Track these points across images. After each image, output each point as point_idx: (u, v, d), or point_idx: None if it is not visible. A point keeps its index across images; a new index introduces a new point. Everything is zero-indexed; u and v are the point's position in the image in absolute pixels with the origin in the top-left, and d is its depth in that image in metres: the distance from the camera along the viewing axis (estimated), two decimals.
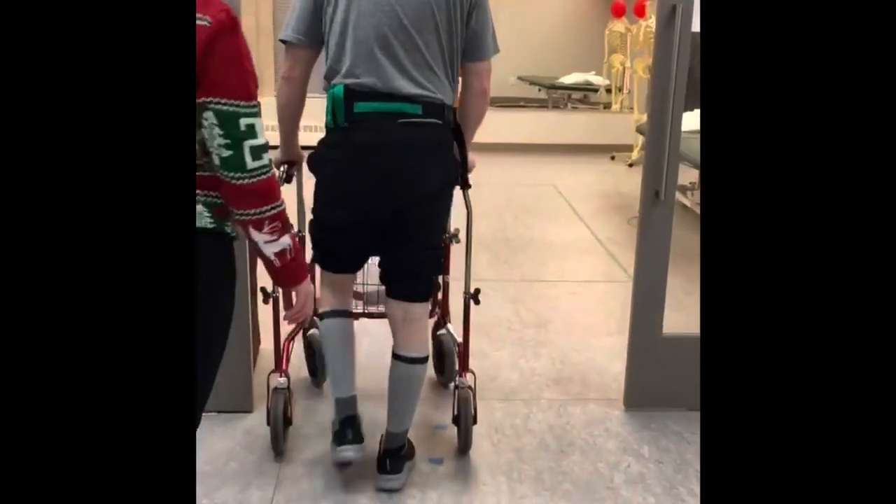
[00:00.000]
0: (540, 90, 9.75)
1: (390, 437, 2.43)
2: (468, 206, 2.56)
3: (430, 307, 2.51)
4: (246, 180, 1.50)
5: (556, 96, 9.56)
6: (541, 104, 9.74)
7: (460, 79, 2.37)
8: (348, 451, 2.41)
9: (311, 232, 2.42)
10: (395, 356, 2.39)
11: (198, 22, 1.42)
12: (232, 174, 1.49)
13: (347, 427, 2.42)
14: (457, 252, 2.81)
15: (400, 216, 2.25)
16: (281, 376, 2.55)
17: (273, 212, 1.55)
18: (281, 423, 2.53)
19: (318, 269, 2.47)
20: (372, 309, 2.82)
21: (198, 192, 1.52)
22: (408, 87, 2.17)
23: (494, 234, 5.28)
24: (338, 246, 2.39)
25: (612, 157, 7.85)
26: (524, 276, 4.48)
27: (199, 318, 1.34)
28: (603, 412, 2.97)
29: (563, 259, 4.84)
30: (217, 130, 1.47)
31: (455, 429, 2.61)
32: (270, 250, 1.58)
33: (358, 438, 2.43)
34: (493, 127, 8.26)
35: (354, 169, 2.22)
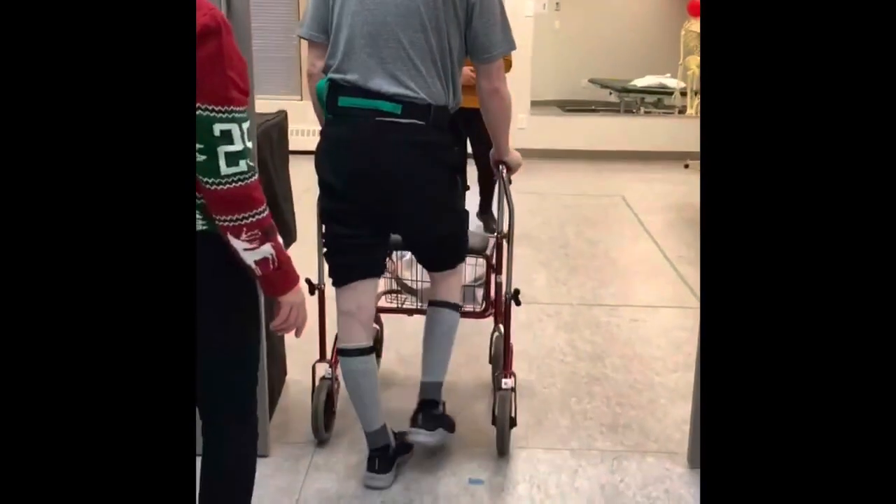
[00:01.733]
0: (611, 93, 9.34)
1: (423, 387, 2.52)
2: (510, 206, 2.59)
3: (462, 266, 2.55)
4: (220, 186, 1.48)
5: (629, 100, 9.14)
6: (612, 108, 9.33)
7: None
8: (374, 481, 2.45)
9: (323, 236, 2.44)
10: (430, 302, 2.52)
11: None
12: (206, 179, 1.48)
13: (376, 457, 2.46)
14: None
15: (385, 209, 2.29)
16: (329, 366, 2.66)
17: (251, 220, 1.51)
18: (322, 412, 2.61)
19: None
20: (425, 305, 2.69)
21: None
22: (387, 86, 2.18)
23: (554, 249, 4.92)
24: (337, 235, 2.35)
25: (686, 166, 7.38)
26: (582, 298, 4.11)
27: (222, 315, 1.58)
28: (663, 469, 2.59)
29: (626, 280, 4.45)
30: None
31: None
32: (250, 258, 1.55)
33: (385, 468, 2.46)
34: (559, 132, 8.02)
35: (335, 161, 2.26)
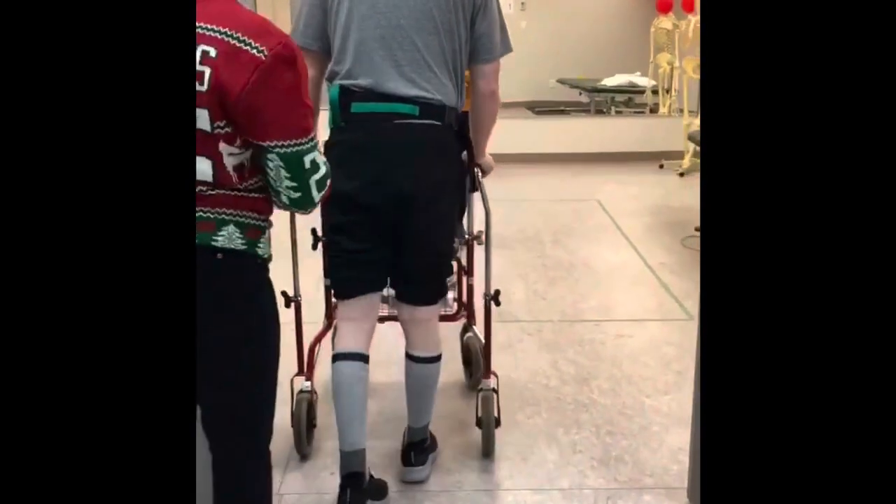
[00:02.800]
0: (581, 94, 9.19)
1: (412, 431, 2.48)
2: (486, 207, 2.50)
3: (439, 309, 2.46)
4: (311, 208, 1.59)
5: (599, 100, 8.99)
6: (582, 108, 9.17)
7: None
8: None
9: (324, 246, 2.40)
10: (408, 356, 2.40)
11: (253, 52, 1.40)
12: (300, 210, 1.57)
13: (348, 486, 2.26)
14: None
15: (398, 219, 2.21)
16: (306, 379, 2.59)
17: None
18: (304, 427, 2.56)
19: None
20: (395, 311, 2.62)
21: (231, 211, 1.48)
22: (404, 88, 2.15)
23: (531, 260, 4.71)
24: (345, 249, 2.28)
25: (661, 166, 7.22)
26: (564, 313, 3.90)
27: (242, 344, 1.53)
28: None
29: (608, 291, 4.24)
30: (283, 173, 1.48)
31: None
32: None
33: (355, 500, 2.25)
34: (529, 136, 7.81)
35: (350, 168, 2.17)
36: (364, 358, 2.33)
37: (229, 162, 1.46)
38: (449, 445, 2.70)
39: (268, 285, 1.59)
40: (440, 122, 2.20)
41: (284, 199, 1.52)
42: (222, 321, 1.48)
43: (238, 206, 1.50)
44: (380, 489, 2.38)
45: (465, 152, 2.44)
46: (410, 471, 2.47)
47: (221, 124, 1.43)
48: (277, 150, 1.46)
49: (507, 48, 2.31)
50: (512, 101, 8.77)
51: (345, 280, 2.32)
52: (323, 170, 1.52)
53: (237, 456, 1.62)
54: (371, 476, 2.36)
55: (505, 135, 7.36)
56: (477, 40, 2.25)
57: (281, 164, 1.46)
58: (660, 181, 6.73)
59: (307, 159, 1.47)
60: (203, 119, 1.41)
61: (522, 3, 10.19)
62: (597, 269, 4.58)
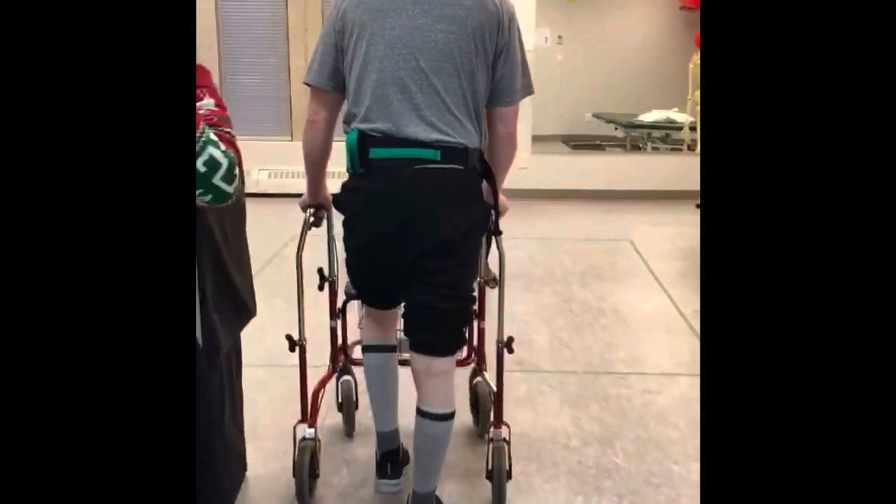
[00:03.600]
0: (617, 129, 9.00)
1: (417, 498, 2.31)
2: (500, 252, 2.43)
3: (454, 361, 2.34)
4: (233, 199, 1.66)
5: (635, 135, 8.79)
6: (618, 143, 8.99)
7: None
8: (385, 486, 2.48)
9: (347, 267, 2.37)
10: (419, 412, 2.27)
11: None
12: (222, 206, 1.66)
13: (387, 461, 2.48)
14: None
15: (420, 264, 2.14)
16: (309, 427, 2.51)
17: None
18: (307, 476, 2.45)
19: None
20: (406, 356, 2.51)
21: None
22: (424, 133, 2.08)
23: (557, 304, 4.50)
24: (368, 286, 2.38)
25: (698, 206, 6.96)
26: (589, 364, 3.68)
27: None
28: None
29: (637, 341, 4.02)
30: None
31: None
32: None
33: (396, 474, 2.48)
34: (564, 172, 7.62)
35: (372, 216, 2.15)
36: (391, 348, 2.46)
37: None
38: (457, 497, 2.58)
39: None
40: (462, 167, 2.13)
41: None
42: None
43: None
44: (406, 453, 2.55)
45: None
46: None
47: None
48: None
49: (528, 90, 2.23)
50: (546, 135, 8.65)
51: (371, 298, 2.44)
52: (223, 162, 1.49)
53: None
54: (405, 448, 2.54)
55: (535, 170, 7.27)
56: (497, 83, 2.16)
57: None
58: (695, 222, 6.44)
59: (199, 161, 1.45)
60: None
61: (559, 37, 10.08)
62: (626, 316, 4.36)
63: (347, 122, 2.18)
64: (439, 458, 2.31)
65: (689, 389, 3.41)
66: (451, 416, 2.26)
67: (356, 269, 2.32)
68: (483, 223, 2.28)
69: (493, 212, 2.36)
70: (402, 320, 2.33)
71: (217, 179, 1.50)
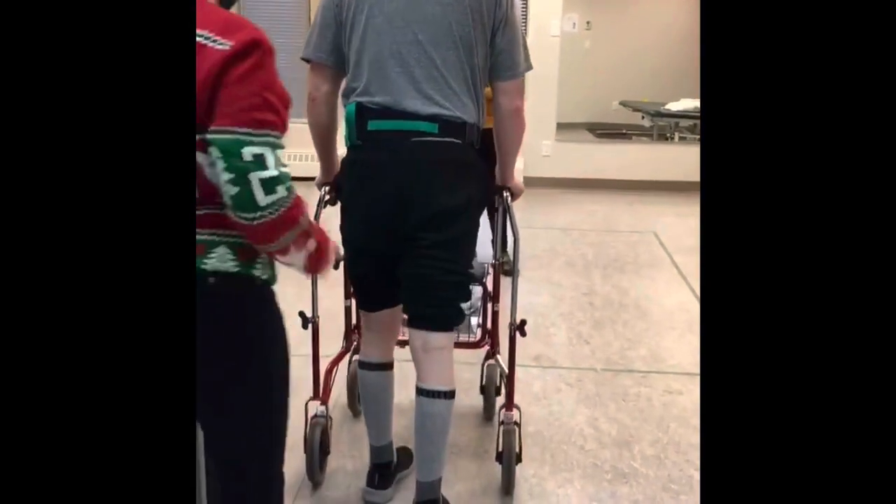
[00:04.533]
0: (644, 117, 8.81)
1: (420, 488, 2.24)
2: (515, 234, 2.40)
3: (452, 338, 2.28)
4: (260, 220, 1.32)
5: (662, 124, 8.60)
6: (644, 132, 8.81)
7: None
8: (372, 496, 2.44)
9: (346, 266, 2.36)
10: (418, 390, 2.22)
11: (217, 47, 1.30)
12: (244, 214, 1.32)
13: (377, 472, 2.45)
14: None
15: (417, 237, 2.10)
16: (321, 404, 2.50)
17: (297, 233, 1.39)
18: (317, 453, 2.47)
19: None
20: (403, 337, 2.51)
21: (220, 231, 1.38)
22: (422, 106, 2.06)
23: (577, 298, 4.38)
24: (365, 274, 2.27)
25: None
26: (608, 361, 3.56)
27: (248, 372, 1.43)
28: None
29: (659, 337, 3.88)
30: (220, 164, 1.30)
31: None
32: (298, 261, 1.44)
33: (384, 484, 2.44)
34: (587, 160, 7.47)
35: (369, 188, 2.13)
36: (387, 366, 2.39)
37: (211, 174, 1.34)
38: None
39: (269, 307, 1.48)
40: (461, 140, 2.11)
41: (227, 199, 1.32)
42: (221, 347, 1.39)
43: (228, 224, 1.36)
44: (408, 459, 2.52)
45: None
46: None
47: None
48: (214, 136, 1.29)
49: (529, 65, 2.20)
50: (572, 122, 8.49)
51: (366, 295, 2.34)
52: (272, 171, 1.30)
53: (246, 485, 1.54)
54: (397, 454, 2.49)
55: (558, 158, 7.13)
56: (498, 56, 2.14)
57: (217, 154, 1.29)
58: None
59: (247, 150, 1.28)
60: None
61: (588, 23, 9.90)
62: (648, 312, 4.22)
63: (346, 95, 2.16)
64: (440, 442, 2.21)
65: None
66: (449, 394, 2.20)
67: (350, 247, 2.23)
68: (481, 199, 2.24)
69: (502, 190, 2.38)
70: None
71: (254, 177, 1.28)
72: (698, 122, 8.33)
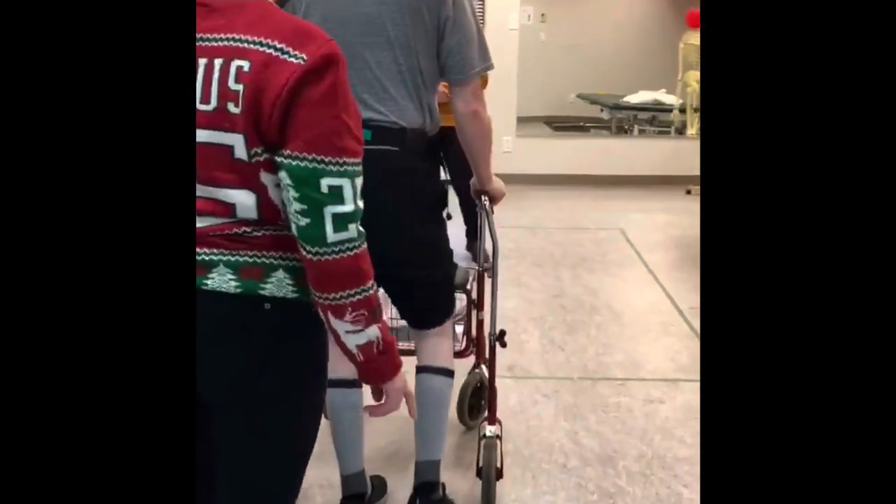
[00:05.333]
0: (602, 110, 8.72)
1: (418, 468, 2.25)
2: (494, 240, 2.37)
3: (451, 323, 2.30)
4: (326, 256, 1.25)
5: (621, 117, 8.52)
6: (603, 125, 8.72)
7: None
8: None
9: None
10: (418, 369, 2.23)
11: (292, 60, 1.21)
12: (310, 247, 1.25)
13: None
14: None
15: (373, 255, 1.80)
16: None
17: (359, 297, 1.28)
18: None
19: None
20: (404, 345, 2.38)
21: (280, 254, 1.30)
22: None
23: (547, 300, 4.24)
24: None
25: (689, 192, 6.75)
26: (585, 369, 3.43)
27: (292, 403, 1.34)
28: None
29: (634, 342, 3.76)
30: (292, 192, 1.23)
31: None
32: (353, 342, 1.31)
33: None
34: (549, 156, 7.34)
35: None
36: (356, 383, 2.18)
37: (275, 195, 1.27)
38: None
39: (321, 334, 1.37)
40: (397, 148, 2.00)
41: (294, 228, 1.25)
42: (272, 379, 1.31)
43: (287, 247, 1.30)
44: (381, 487, 2.41)
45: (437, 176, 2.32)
46: None
47: (259, 150, 1.24)
48: (288, 162, 1.22)
49: (486, 65, 2.09)
50: (529, 116, 8.37)
51: None
52: (348, 207, 1.23)
53: None
54: (372, 485, 2.34)
55: (520, 154, 6.99)
56: (447, 57, 2.04)
57: (290, 181, 1.22)
58: (687, 209, 6.25)
59: (325, 182, 1.21)
60: (240, 146, 1.23)
61: (542, 15, 9.77)
62: (621, 313, 4.11)
63: None
64: (439, 419, 2.23)
65: (693, 397, 3.16)
66: (449, 372, 2.24)
67: None
68: (431, 213, 2.16)
69: (480, 195, 2.32)
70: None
71: (327, 211, 1.21)
72: (656, 114, 8.28)
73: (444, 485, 2.30)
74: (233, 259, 1.27)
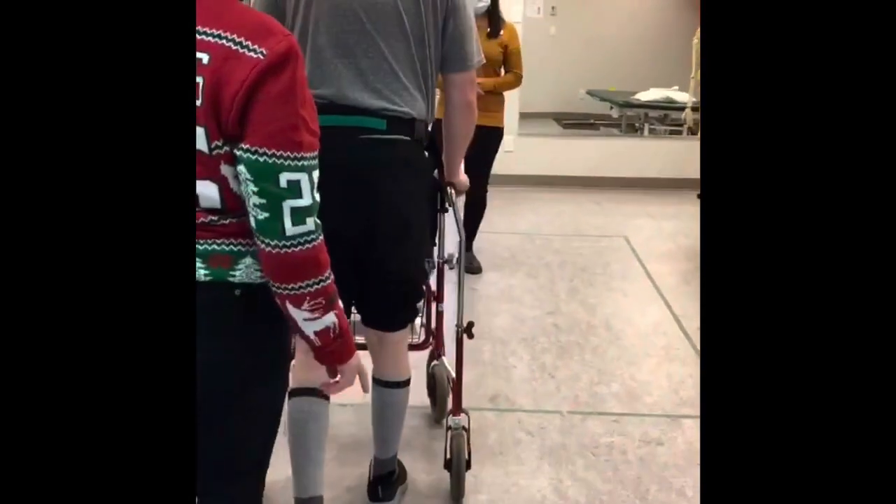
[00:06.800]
0: (612, 107, 8.36)
1: (379, 463, 2.32)
2: (459, 230, 2.45)
3: (409, 332, 2.32)
4: (285, 249, 1.27)
5: (631, 115, 8.15)
6: (612, 123, 8.36)
7: (439, 91, 2.17)
8: None
9: None
10: (375, 380, 2.21)
11: (251, 55, 1.24)
12: (268, 240, 1.27)
13: None
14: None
15: (368, 241, 2.03)
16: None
17: (317, 287, 1.31)
18: None
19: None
20: (359, 339, 2.23)
21: (246, 241, 1.33)
22: (370, 100, 1.99)
23: (540, 318, 3.89)
24: None
25: (700, 196, 6.36)
26: (576, 401, 3.08)
27: (259, 384, 1.38)
28: None
29: (634, 368, 3.41)
30: (251, 187, 1.25)
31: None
32: (310, 328, 1.35)
33: None
34: (553, 156, 6.91)
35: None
36: (317, 392, 2.07)
37: (235, 186, 1.29)
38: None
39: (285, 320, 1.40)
40: (409, 137, 2.03)
41: (252, 221, 1.28)
42: (243, 361, 1.35)
43: (253, 234, 1.31)
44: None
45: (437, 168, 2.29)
46: None
47: (220, 143, 1.26)
48: (247, 156, 1.24)
49: (480, 56, 2.13)
50: (537, 112, 8.02)
51: None
52: (306, 201, 1.27)
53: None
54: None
55: (522, 154, 6.62)
56: (449, 47, 2.06)
57: (249, 176, 1.24)
58: (698, 215, 5.85)
59: (283, 177, 1.24)
60: (201, 139, 1.25)
61: (553, 8, 9.45)
62: (621, 335, 3.75)
63: None
64: (397, 424, 2.29)
65: (696, 438, 2.81)
66: (405, 383, 2.26)
67: None
68: (430, 197, 2.22)
69: (446, 186, 2.31)
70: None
71: (286, 205, 1.24)
72: (668, 112, 7.90)
73: (400, 464, 2.41)
74: (201, 248, 1.30)
